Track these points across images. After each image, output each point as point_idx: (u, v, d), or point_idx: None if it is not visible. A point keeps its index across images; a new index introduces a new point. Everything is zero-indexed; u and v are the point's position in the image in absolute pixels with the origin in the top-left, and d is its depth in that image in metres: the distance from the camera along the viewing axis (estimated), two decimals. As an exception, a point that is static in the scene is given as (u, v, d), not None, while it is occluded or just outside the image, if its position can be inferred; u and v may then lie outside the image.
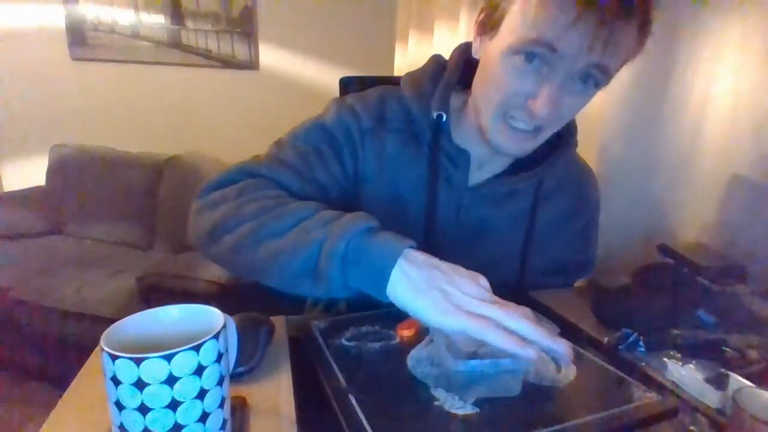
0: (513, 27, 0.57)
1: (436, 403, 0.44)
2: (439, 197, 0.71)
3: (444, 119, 0.69)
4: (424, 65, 0.75)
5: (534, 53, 0.55)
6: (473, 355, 0.46)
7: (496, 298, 0.46)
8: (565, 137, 0.72)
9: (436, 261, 0.47)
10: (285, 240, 0.51)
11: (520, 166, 0.71)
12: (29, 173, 2.44)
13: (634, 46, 0.57)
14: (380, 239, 0.48)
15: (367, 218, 0.50)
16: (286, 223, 0.53)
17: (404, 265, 0.46)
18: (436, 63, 0.74)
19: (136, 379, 0.33)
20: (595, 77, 0.57)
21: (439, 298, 0.44)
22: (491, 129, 0.63)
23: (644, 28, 0.55)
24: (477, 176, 0.73)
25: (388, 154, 0.71)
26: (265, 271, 0.53)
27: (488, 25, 0.61)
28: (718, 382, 0.46)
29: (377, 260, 0.46)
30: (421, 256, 0.47)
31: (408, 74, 0.75)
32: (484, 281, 0.47)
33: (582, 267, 0.83)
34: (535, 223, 0.75)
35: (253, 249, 0.53)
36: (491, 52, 0.61)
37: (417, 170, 0.71)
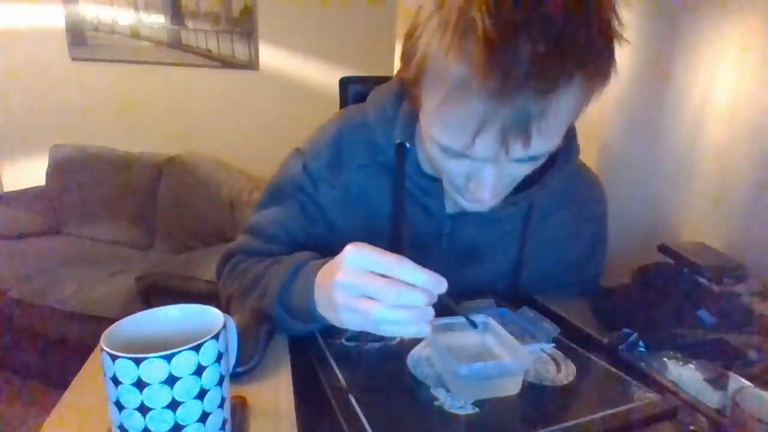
0: (427, 120, 0.50)
1: (436, 403, 0.44)
2: (417, 225, 0.67)
3: (408, 147, 0.62)
4: (389, 83, 0.66)
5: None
6: (476, 358, 0.46)
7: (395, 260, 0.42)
8: (562, 154, 0.63)
9: (335, 275, 0.44)
10: (253, 306, 0.60)
11: None
12: (29, 173, 2.44)
13: (582, 103, 0.47)
14: (296, 287, 0.55)
15: (286, 271, 0.57)
16: (248, 296, 0.62)
17: (316, 296, 0.51)
18: (401, 81, 0.62)
19: (136, 379, 0.33)
20: (529, 163, 0.50)
21: (341, 307, 0.45)
22: (449, 192, 0.60)
23: (595, 78, 0.44)
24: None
25: (353, 194, 0.67)
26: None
27: (411, 94, 0.53)
28: (718, 382, 0.46)
29: (302, 304, 0.53)
30: (320, 279, 0.50)
31: (375, 90, 0.68)
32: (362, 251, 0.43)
33: (583, 284, 0.74)
34: (525, 245, 0.69)
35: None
36: (423, 124, 0.53)
37: (387, 201, 0.66)
